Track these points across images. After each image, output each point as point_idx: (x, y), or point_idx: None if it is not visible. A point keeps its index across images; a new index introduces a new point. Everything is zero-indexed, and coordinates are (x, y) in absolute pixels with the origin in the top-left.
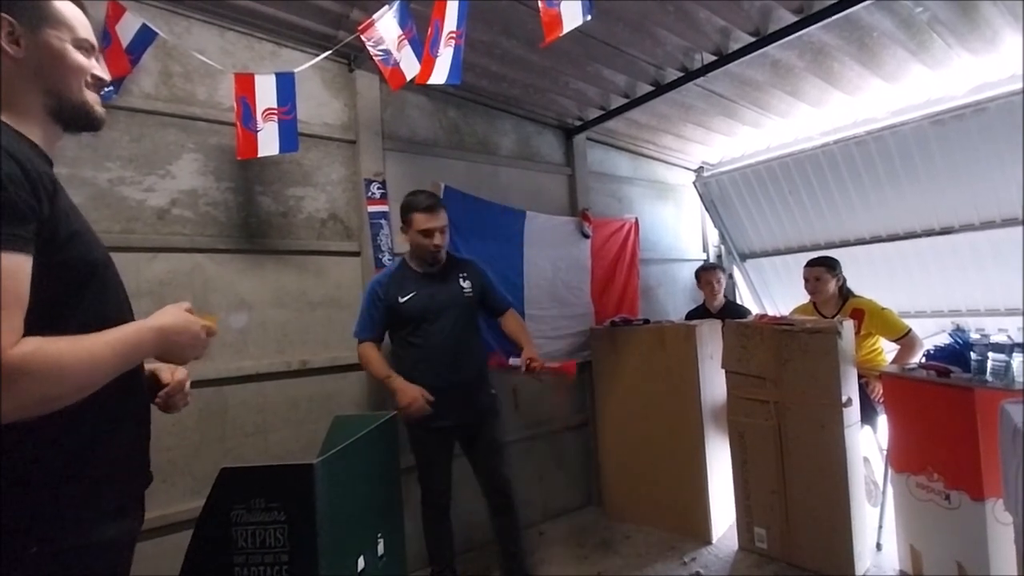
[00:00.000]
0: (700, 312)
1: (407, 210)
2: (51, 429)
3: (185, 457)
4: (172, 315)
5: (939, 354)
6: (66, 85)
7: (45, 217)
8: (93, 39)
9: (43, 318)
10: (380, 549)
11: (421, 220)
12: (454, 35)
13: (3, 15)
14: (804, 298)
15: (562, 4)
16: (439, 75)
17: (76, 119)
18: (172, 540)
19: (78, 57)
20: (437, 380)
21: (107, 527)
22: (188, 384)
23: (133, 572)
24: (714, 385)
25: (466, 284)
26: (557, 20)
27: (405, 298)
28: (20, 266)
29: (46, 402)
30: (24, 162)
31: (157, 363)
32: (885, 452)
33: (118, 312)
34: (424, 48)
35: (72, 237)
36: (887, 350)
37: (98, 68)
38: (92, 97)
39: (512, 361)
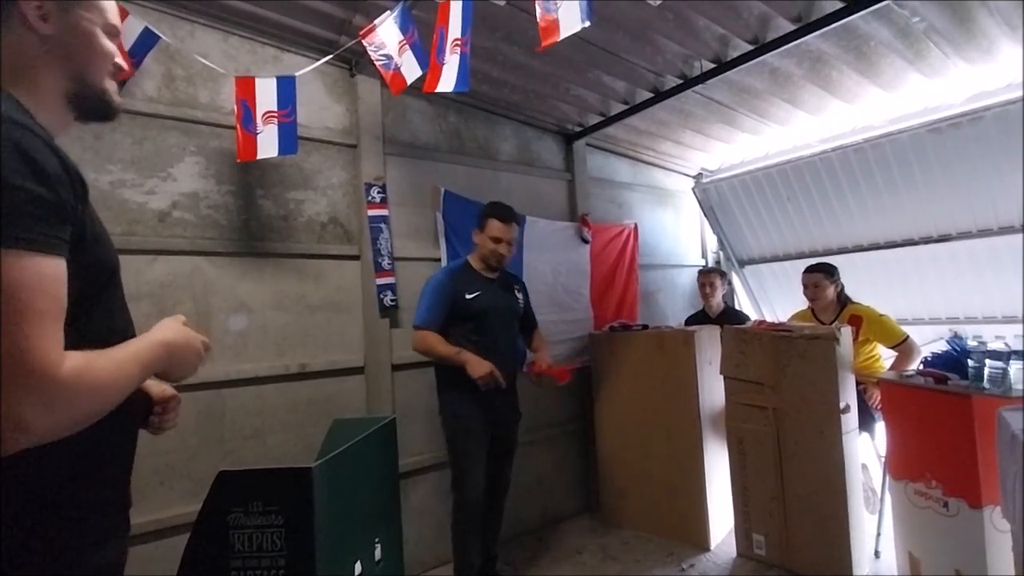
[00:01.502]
0: (699, 318)
1: (486, 215)
2: (30, 460)
3: (183, 460)
4: (174, 330)
5: (937, 361)
6: (91, 70)
7: (80, 217)
8: (119, 24)
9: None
10: (377, 554)
11: (495, 227)
12: (459, 42)
13: None
14: (802, 304)
15: (560, 9)
16: (446, 83)
17: (94, 107)
18: (170, 543)
19: (106, 42)
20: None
21: (91, 556)
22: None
23: (131, 575)
24: (713, 391)
25: (519, 296)
26: (554, 25)
27: (472, 295)
28: (62, 271)
29: (89, 419)
30: (65, 158)
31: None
32: (883, 459)
33: (121, 318)
34: (430, 55)
35: (97, 239)
36: (885, 357)
37: (118, 55)
38: (112, 85)
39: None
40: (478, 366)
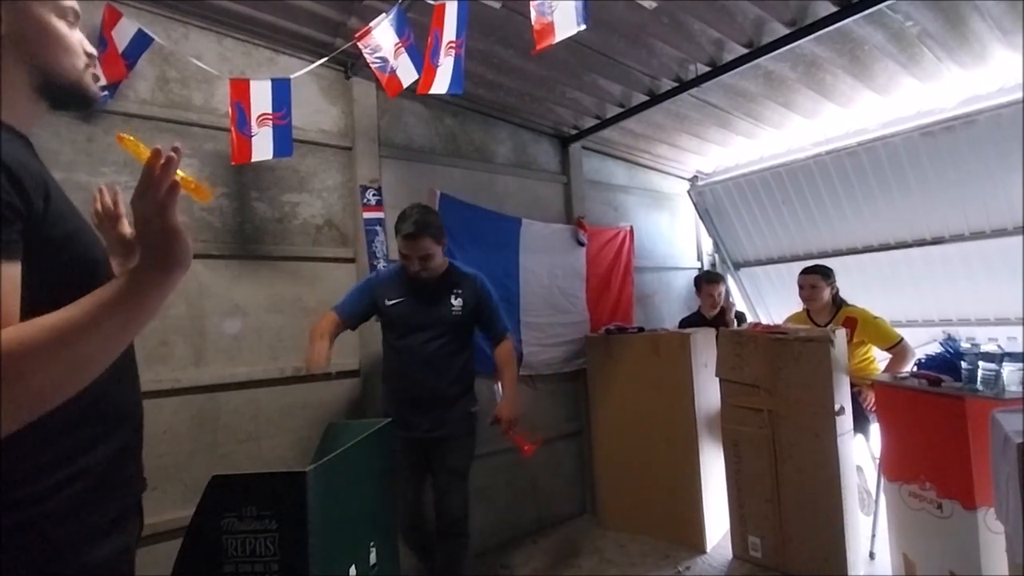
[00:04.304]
0: (694, 320)
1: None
2: (37, 445)
3: (177, 464)
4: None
5: (930, 363)
6: (55, 61)
7: (38, 216)
8: (76, 6)
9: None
10: (372, 558)
11: (400, 245)
12: (454, 45)
13: None
14: (797, 307)
15: (555, 12)
16: (440, 85)
17: (68, 97)
18: (163, 548)
19: (63, 28)
20: (412, 390)
21: (101, 545)
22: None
23: None
24: (708, 393)
25: (456, 303)
26: (549, 28)
27: (392, 302)
28: (9, 273)
29: (57, 384)
30: (9, 163)
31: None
32: (878, 461)
33: None
34: (424, 57)
35: (71, 236)
36: (879, 359)
37: (86, 41)
38: (87, 75)
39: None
40: (308, 352)
